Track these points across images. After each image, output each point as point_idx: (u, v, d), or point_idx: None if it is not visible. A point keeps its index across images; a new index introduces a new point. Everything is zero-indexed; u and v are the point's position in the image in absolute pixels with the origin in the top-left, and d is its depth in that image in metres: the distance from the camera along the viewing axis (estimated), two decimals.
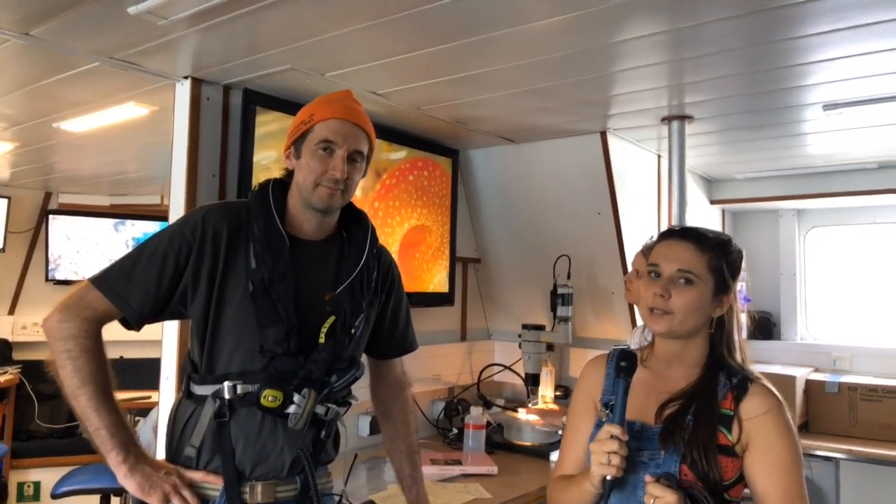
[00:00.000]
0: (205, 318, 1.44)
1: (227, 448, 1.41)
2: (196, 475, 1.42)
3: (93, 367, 1.36)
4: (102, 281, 1.41)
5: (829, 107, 2.29)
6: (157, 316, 1.46)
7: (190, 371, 1.49)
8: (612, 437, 1.28)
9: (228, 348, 1.44)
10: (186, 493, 1.38)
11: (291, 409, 1.42)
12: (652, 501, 1.22)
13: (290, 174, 1.55)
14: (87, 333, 1.37)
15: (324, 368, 1.45)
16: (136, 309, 1.41)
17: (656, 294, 1.39)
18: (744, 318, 1.48)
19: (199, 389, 1.45)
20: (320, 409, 1.47)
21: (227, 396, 1.41)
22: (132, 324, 1.44)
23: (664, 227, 3.02)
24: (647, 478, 1.26)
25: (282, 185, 1.55)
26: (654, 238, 1.57)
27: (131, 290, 1.40)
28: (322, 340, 1.45)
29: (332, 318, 1.47)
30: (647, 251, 2.31)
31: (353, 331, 1.51)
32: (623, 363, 1.36)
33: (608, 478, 1.29)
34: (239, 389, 1.41)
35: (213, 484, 1.42)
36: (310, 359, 1.44)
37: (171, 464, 1.44)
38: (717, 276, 1.40)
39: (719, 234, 1.46)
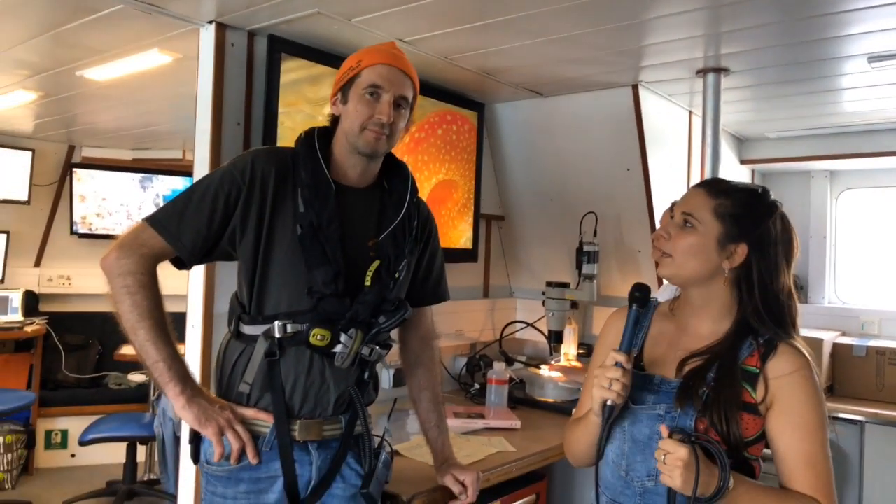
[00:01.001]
0: (254, 260, 1.48)
1: (278, 386, 1.47)
2: (248, 412, 1.48)
3: (150, 302, 1.41)
4: (156, 220, 1.46)
5: (874, 59, 2.20)
6: (207, 255, 1.51)
7: (239, 312, 1.53)
8: (616, 363, 1.30)
9: (276, 289, 1.49)
10: (239, 428, 1.43)
11: (338, 348, 1.48)
12: (663, 457, 1.22)
13: (334, 122, 1.58)
14: (145, 270, 1.42)
15: (369, 310, 1.50)
16: (189, 247, 1.45)
17: (660, 235, 1.41)
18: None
19: (249, 329, 1.50)
20: (365, 350, 1.52)
21: (277, 335, 1.46)
22: (185, 262, 1.49)
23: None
24: (662, 428, 1.26)
25: (325, 134, 1.58)
26: None
27: (184, 229, 1.45)
28: (368, 283, 1.50)
29: (377, 262, 1.53)
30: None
31: (397, 275, 1.56)
32: (637, 293, 1.36)
33: (608, 403, 1.31)
34: (289, 328, 1.46)
35: (264, 421, 1.48)
36: (356, 300, 1.49)
37: (224, 400, 1.50)
38: (725, 224, 1.36)
39: (743, 184, 1.42)
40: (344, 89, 1.54)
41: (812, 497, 1.26)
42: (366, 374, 1.58)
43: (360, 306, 1.49)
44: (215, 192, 1.46)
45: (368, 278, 1.50)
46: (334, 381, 1.51)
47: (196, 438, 1.49)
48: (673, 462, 1.21)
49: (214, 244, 1.48)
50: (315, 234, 1.46)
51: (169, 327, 1.43)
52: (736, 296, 1.38)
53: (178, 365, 1.42)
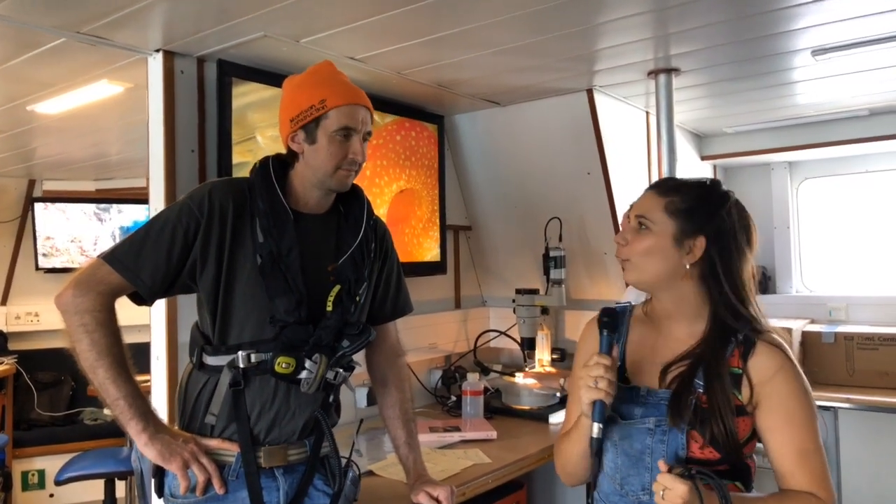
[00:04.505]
0: (215, 292, 1.48)
1: (243, 415, 1.48)
2: (212, 443, 1.48)
3: (109, 340, 1.40)
4: (113, 257, 1.44)
5: (818, 52, 2.24)
6: (168, 290, 1.50)
7: (202, 343, 1.52)
8: (597, 362, 1.31)
9: (239, 319, 1.49)
10: (204, 460, 1.44)
11: (304, 374, 1.49)
12: (661, 492, 1.20)
13: (291, 153, 1.57)
14: (102, 307, 1.41)
15: (333, 334, 1.52)
16: (148, 283, 1.44)
17: (618, 242, 1.42)
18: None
19: (213, 360, 1.50)
20: (330, 374, 1.54)
21: (241, 365, 1.46)
22: (145, 298, 1.47)
23: None
24: (661, 465, 1.23)
25: (280, 161, 1.59)
26: None
27: (142, 264, 1.44)
28: (329, 308, 1.52)
29: (337, 287, 1.54)
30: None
31: (358, 298, 1.58)
32: (605, 319, 1.36)
33: (598, 401, 1.30)
34: (253, 358, 1.46)
35: (229, 450, 1.48)
36: (319, 326, 1.50)
37: (187, 432, 1.50)
38: (678, 220, 1.36)
39: (693, 179, 1.42)
40: (308, 128, 1.51)
41: (809, 493, 1.25)
42: (331, 398, 1.59)
43: (323, 331, 1.50)
44: (174, 227, 1.45)
45: (330, 303, 1.52)
46: (300, 407, 1.53)
47: (160, 471, 1.48)
48: (672, 499, 1.18)
49: (174, 279, 1.47)
50: (275, 264, 1.46)
51: (129, 363, 1.43)
52: (705, 292, 1.37)
53: (139, 402, 1.41)
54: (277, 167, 1.56)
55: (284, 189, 1.54)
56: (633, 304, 1.54)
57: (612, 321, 1.36)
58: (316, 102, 1.50)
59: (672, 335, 1.40)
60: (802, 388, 1.31)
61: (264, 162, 1.57)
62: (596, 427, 1.30)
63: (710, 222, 1.35)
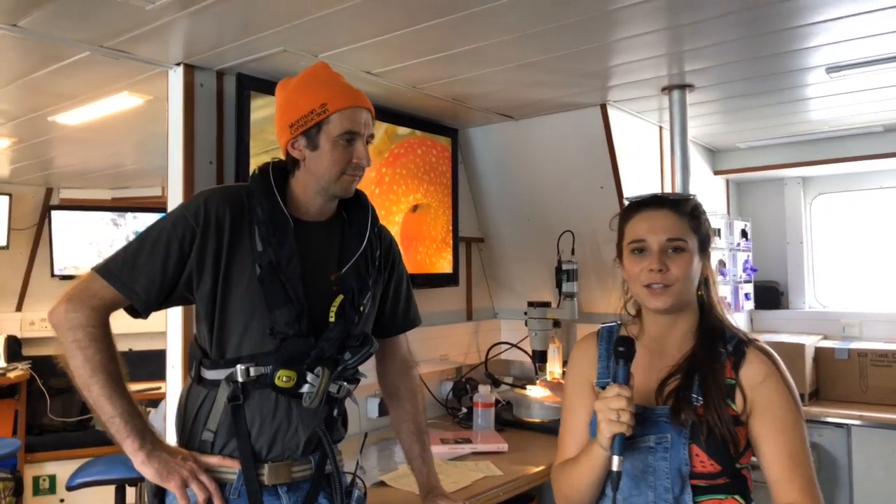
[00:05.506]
0: (212, 303, 1.44)
1: (243, 431, 1.43)
2: (212, 460, 1.43)
3: (103, 356, 1.36)
4: (107, 270, 1.40)
5: (832, 69, 2.25)
6: (164, 303, 1.46)
7: (200, 356, 1.48)
8: (618, 395, 1.25)
9: (238, 332, 1.44)
10: (204, 478, 1.38)
11: (305, 388, 1.44)
12: None
13: (292, 160, 1.52)
14: (96, 322, 1.37)
15: (335, 347, 1.46)
16: (143, 297, 1.40)
17: (652, 270, 1.36)
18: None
19: (211, 374, 1.45)
20: (333, 388, 1.49)
21: (240, 379, 1.42)
22: (140, 311, 1.43)
23: None
24: None
25: (280, 168, 1.54)
26: (618, 213, 1.52)
27: (136, 277, 1.39)
28: (332, 319, 1.46)
29: (340, 297, 1.48)
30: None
31: (361, 308, 1.52)
32: (621, 348, 1.30)
33: (617, 435, 1.25)
34: (252, 372, 1.42)
35: (230, 467, 1.43)
36: (321, 338, 1.45)
37: (186, 449, 1.45)
38: (698, 237, 1.40)
39: (685, 195, 1.46)
40: (309, 133, 1.46)
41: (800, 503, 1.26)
42: (335, 412, 1.54)
43: (325, 344, 1.45)
44: (168, 238, 1.41)
45: (332, 314, 1.46)
46: (302, 422, 1.47)
47: (160, 491, 1.43)
48: None
49: (170, 291, 1.43)
50: (275, 274, 1.41)
51: (124, 379, 1.39)
52: (697, 305, 1.41)
53: (135, 419, 1.36)
54: (277, 173, 1.51)
55: (285, 196, 1.49)
56: (619, 324, 1.53)
57: (629, 350, 1.30)
58: (316, 106, 1.44)
59: (666, 352, 1.41)
60: (791, 396, 1.33)
61: (264, 168, 1.52)
62: (616, 460, 1.25)
63: (708, 235, 1.43)
